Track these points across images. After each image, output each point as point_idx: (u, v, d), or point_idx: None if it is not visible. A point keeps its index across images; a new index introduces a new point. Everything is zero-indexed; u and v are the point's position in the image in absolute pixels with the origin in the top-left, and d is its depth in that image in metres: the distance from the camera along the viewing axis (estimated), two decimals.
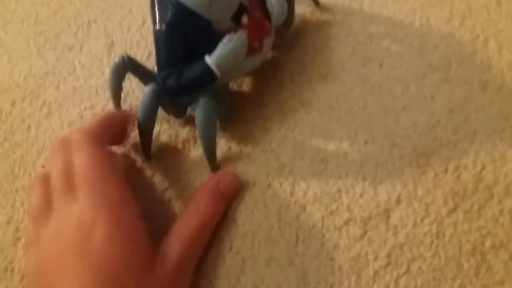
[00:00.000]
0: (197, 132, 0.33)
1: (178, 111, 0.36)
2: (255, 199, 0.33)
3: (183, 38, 0.30)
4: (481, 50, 0.37)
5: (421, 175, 0.32)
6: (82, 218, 0.27)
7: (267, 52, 0.35)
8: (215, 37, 0.30)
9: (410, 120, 0.35)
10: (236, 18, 0.30)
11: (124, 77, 0.36)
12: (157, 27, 0.30)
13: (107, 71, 0.43)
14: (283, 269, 0.31)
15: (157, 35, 0.31)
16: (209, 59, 0.30)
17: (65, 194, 0.29)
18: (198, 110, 0.31)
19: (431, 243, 0.30)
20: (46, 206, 0.29)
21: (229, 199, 0.32)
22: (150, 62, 0.43)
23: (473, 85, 0.35)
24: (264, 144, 0.36)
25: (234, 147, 0.36)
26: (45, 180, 0.31)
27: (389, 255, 0.30)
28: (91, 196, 0.27)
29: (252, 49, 0.31)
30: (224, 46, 0.29)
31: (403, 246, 0.30)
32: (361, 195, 0.32)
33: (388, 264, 0.30)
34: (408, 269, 0.29)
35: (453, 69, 0.36)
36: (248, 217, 0.33)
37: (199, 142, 0.34)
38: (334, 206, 0.32)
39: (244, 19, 0.30)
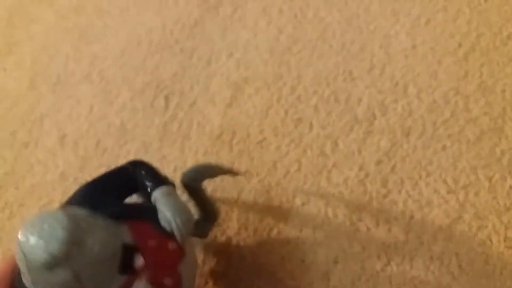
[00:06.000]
0: None
1: None
2: None
3: None
4: (402, 97, 0.39)
5: (355, 232, 0.34)
6: None
7: (192, 276, 0.28)
8: None
9: (341, 176, 0.36)
10: (126, 268, 0.25)
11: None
12: None
13: (61, 164, 0.45)
14: None
15: None
16: None
17: None
18: None
19: None
20: None
21: None
22: (99, 150, 0.45)
23: (396, 134, 0.37)
24: None
25: None
26: None
27: None
28: None
29: None
30: None
31: None
32: (303, 261, 0.34)
33: None
34: None
35: (377, 119, 0.38)
36: None
37: None
38: (279, 275, 0.34)
39: (139, 261, 0.26)
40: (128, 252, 0.25)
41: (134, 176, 0.30)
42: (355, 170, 0.36)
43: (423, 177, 0.35)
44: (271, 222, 0.36)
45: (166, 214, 0.27)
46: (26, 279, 0.24)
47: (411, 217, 0.33)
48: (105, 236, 0.23)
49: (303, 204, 0.36)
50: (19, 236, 0.24)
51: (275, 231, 0.35)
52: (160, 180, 0.29)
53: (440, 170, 0.35)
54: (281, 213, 0.36)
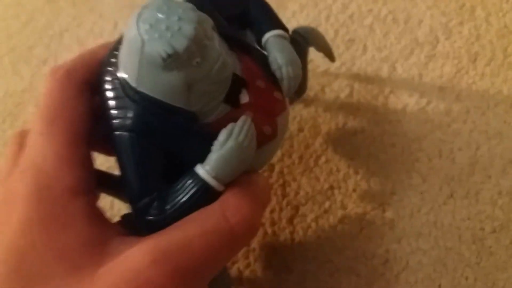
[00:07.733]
0: None
1: None
2: None
3: (158, 146, 0.21)
4: (468, 20, 0.35)
5: (414, 162, 0.31)
6: (8, 179, 0.21)
7: (285, 133, 0.24)
8: (205, 135, 0.20)
9: (399, 103, 0.33)
10: (232, 99, 0.21)
11: None
12: (115, 135, 0.21)
13: None
14: (281, 277, 0.30)
15: (118, 149, 0.21)
16: (203, 170, 0.20)
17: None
18: None
19: (430, 233, 0.29)
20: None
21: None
22: None
23: (462, 59, 0.33)
24: None
25: None
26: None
27: (387, 251, 0.29)
28: (28, 147, 0.21)
29: (262, 137, 0.22)
30: (222, 147, 0.20)
31: (401, 240, 0.29)
32: (354, 190, 0.31)
33: (387, 260, 0.29)
34: (407, 264, 0.28)
35: (441, 43, 0.34)
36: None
37: None
38: (327, 205, 0.31)
39: (244, 97, 0.21)
40: (237, 84, 0.21)
41: (248, 10, 0.24)
42: (415, 96, 0.33)
43: (491, 107, 0.32)
44: (318, 150, 0.33)
45: (279, 60, 0.23)
46: (130, 74, 0.20)
47: (477, 148, 0.30)
48: (225, 57, 0.20)
49: (355, 132, 0.33)
50: (141, 25, 0.19)
51: (322, 159, 0.33)
52: (277, 22, 0.24)
53: (511, 100, 0.31)
54: (329, 140, 0.33)
